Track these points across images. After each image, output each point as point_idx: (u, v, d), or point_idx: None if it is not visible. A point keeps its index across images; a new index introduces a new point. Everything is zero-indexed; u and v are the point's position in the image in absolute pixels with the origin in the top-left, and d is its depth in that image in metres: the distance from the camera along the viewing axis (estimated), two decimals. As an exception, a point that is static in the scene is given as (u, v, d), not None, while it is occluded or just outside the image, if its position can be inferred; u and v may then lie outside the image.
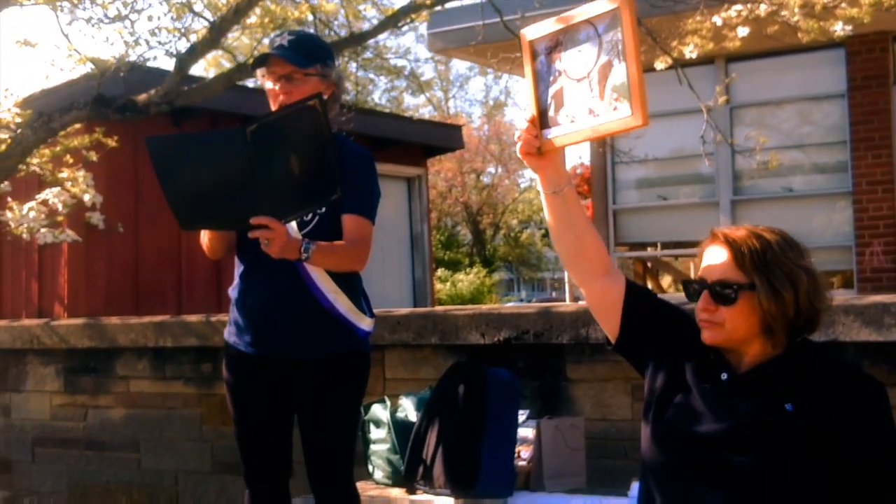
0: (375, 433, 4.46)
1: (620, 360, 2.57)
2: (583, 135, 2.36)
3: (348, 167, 3.47)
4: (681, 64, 7.12)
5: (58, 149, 6.92)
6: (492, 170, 34.99)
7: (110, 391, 6.29)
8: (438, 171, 31.11)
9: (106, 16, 6.47)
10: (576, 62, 2.34)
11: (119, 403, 6.26)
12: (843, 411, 2.20)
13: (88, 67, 6.57)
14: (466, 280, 26.59)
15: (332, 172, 3.29)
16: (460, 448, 4.04)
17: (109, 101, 6.29)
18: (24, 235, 6.80)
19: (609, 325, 2.49)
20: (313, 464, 3.64)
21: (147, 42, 6.62)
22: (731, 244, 2.30)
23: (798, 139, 10.00)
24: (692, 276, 2.41)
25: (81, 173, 6.92)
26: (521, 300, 36.07)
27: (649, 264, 11.88)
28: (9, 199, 6.98)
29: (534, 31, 2.42)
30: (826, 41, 6.98)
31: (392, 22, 7.27)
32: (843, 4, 6.37)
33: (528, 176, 34.01)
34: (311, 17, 7.43)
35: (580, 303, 5.51)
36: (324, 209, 3.52)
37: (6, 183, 6.72)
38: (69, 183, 6.87)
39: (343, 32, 7.76)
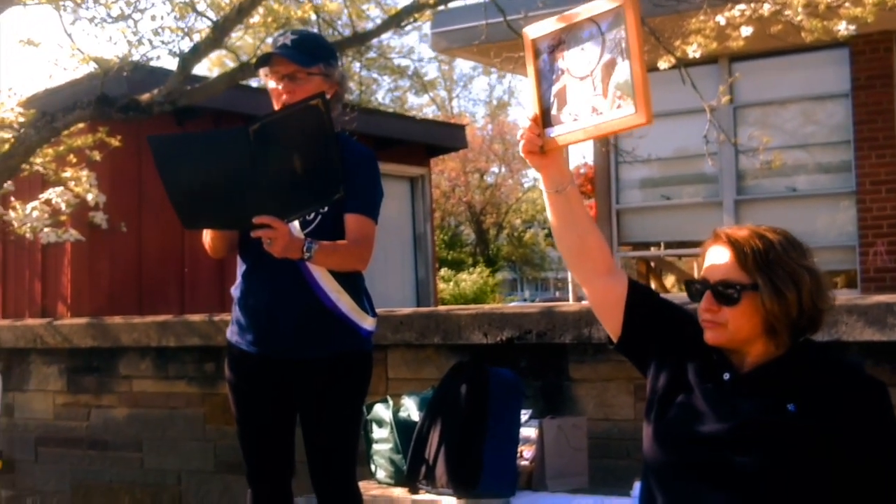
0: (378, 433, 4.46)
1: (623, 359, 2.56)
2: (586, 133, 2.35)
3: (351, 166, 3.46)
4: (684, 63, 7.11)
5: (61, 148, 6.93)
6: (495, 169, 35.00)
7: (113, 391, 6.29)
8: (442, 171, 31.11)
9: (109, 15, 6.47)
10: (579, 60, 2.33)
11: (122, 403, 6.26)
12: (845, 412, 2.20)
13: (92, 67, 6.57)
14: (470, 280, 26.59)
15: (335, 172, 3.29)
16: (463, 448, 4.03)
17: (112, 101, 6.29)
18: (28, 235, 6.81)
19: (611, 325, 2.49)
20: (316, 463, 3.64)
21: (150, 41, 6.63)
22: (734, 244, 2.29)
23: (802, 139, 9.98)
24: (695, 275, 2.40)
25: (85, 173, 6.93)
26: (525, 300, 36.06)
27: (652, 264, 11.87)
28: (12, 198, 6.99)
29: (536, 30, 2.41)
30: (830, 41, 6.96)
31: (395, 21, 7.27)
32: (847, 4, 6.36)
33: (532, 175, 34.05)
34: (314, 17, 7.43)
35: (583, 303, 5.50)
36: (326, 208, 3.52)
37: (10, 182, 6.73)
38: (72, 182, 6.88)
39: (347, 32, 7.75)
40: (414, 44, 49.52)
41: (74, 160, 7.06)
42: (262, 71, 3.68)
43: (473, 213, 34.45)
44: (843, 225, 9.68)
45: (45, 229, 6.68)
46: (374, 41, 8.46)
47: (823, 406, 2.20)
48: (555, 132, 2.38)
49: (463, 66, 34.90)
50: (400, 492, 4.25)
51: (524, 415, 4.29)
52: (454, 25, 10.03)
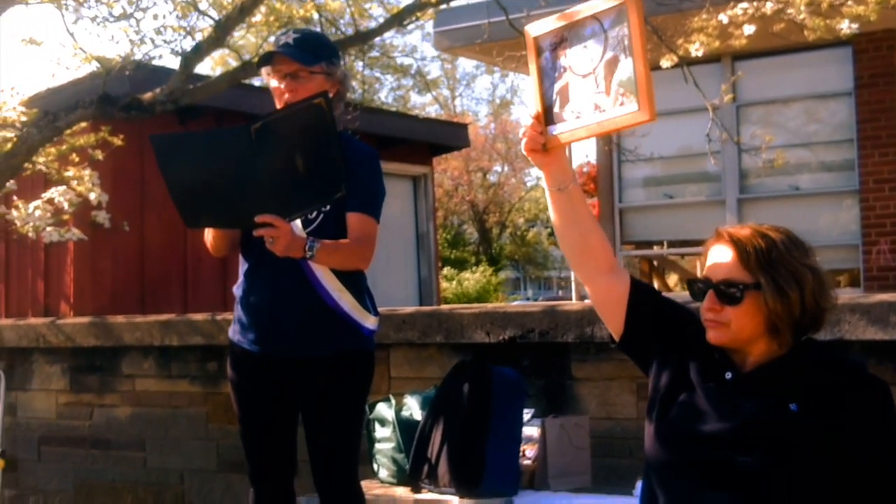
0: (380, 432, 4.46)
1: (626, 358, 2.56)
2: (589, 130, 2.35)
3: (353, 165, 3.46)
4: (687, 62, 7.10)
5: (64, 147, 6.93)
6: (498, 168, 35.04)
7: (116, 390, 6.30)
8: (445, 170, 31.14)
9: (111, 14, 6.48)
10: (581, 58, 2.33)
11: (125, 402, 6.26)
12: (847, 411, 2.19)
13: (94, 66, 6.58)
14: (472, 279, 26.61)
15: (337, 170, 3.29)
16: (465, 447, 4.03)
17: (115, 100, 6.29)
18: (30, 234, 6.81)
19: (613, 323, 2.48)
20: (318, 462, 3.64)
21: (152, 41, 6.64)
22: (737, 243, 2.29)
23: (805, 137, 9.97)
24: (699, 274, 2.40)
25: (87, 172, 6.93)
26: (528, 299, 36.06)
27: (655, 263, 11.86)
28: (14, 197, 6.98)
29: (538, 28, 2.41)
30: (832, 39, 6.95)
31: (397, 20, 7.27)
32: (850, 2, 6.35)
33: (535, 174, 34.07)
34: (316, 16, 7.43)
35: (585, 301, 5.50)
36: (328, 207, 3.52)
37: (12, 182, 6.72)
38: (75, 181, 6.88)
39: (349, 31, 7.76)
40: (417, 42, 49.51)
41: (77, 159, 7.06)
42: (264, 70, 3.68)
43: (476, 212, 34.46)
44: (847, 223, 9.67)
45: (48, 228, 6.68)
46: (377, 40, 8.46)
47: (826, 405, 2.20)
48: (557, 130, 2.37)
49: (466, 64, 34.94)
50: (402, 491, 4.25)
51: (527, 414, 4.29)
52: (456, 24, 10.03)
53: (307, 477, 3.71)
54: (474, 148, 29.32)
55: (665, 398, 2.36)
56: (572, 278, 13.11)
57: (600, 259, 2.48)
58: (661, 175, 10.68)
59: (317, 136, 3.25)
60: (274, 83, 3.60)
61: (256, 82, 8.62)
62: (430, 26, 11.13)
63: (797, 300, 2.24)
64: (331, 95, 3.43)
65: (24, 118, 6.29)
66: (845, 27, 6.40)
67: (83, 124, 6.71)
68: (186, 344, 5.96)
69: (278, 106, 3.55)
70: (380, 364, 4.43)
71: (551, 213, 2.48)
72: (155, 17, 6.70)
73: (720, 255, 2.32)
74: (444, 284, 22.74)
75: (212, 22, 6.59)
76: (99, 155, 7.10)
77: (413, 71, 30.61)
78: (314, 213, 3.53)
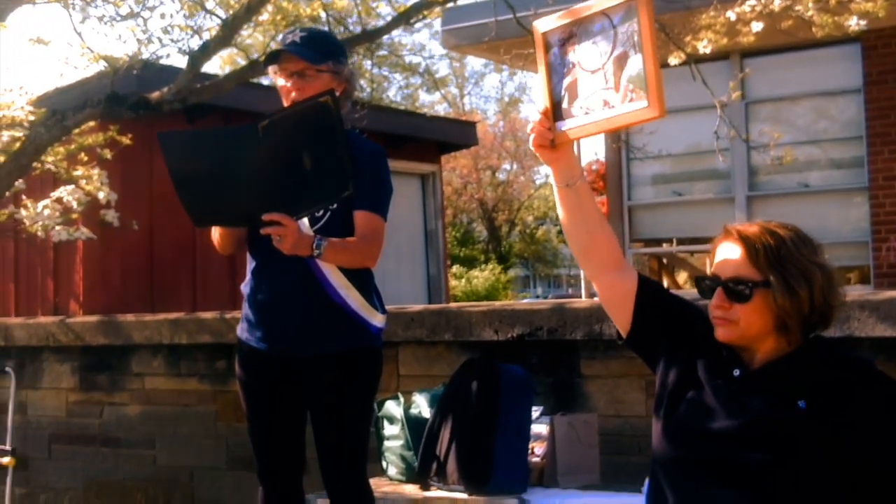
0: (389, 429, 4.47)
1: (634, 356, 2.56)
2: (597, 126, 2.34)
3: (360, 163, 3.46)
4: (695, 59, 7.09)
5: (72, 147, 6.94)
6: (507, 166, 35.03)
7: (125, 388, 6.31)
8: (454, 168, 31.14)
9: (118, 14, 6.49)
10: (590, 54, 2.32)
11: (134, 400, 6.27)
12: (855, 408, 2.19)
13: (101, 65, 6.58)
14: (482, 277, 26.61)
15: (344, 169, 3.29)
16: (474, 444, 4.03)
17: (123, 99, 6.30)
18: (39, 233, 6.82)
19: (621, 320, 2.48)
20: (326, 460, 3.64)
21: (160, 40, 6.64)
22: (745, 241, 2.28)
23: (814, 135, 9.95)
24: (707, 272, 2.39)
25: (96, 171, 6.93)
26: (537, 297, 36.07)
27: (664, 260, 11.84)
28: (23, 196, 7.00)
29: (546, 24, 2.40)
30: (841, 36, 6.94)
31: (404, 18, 7.27)
32: (858, -1, 6.34)
33: (544, 172, 34.03)
34: (324, 15, 7.43)
35: (594, 299, 5.50)
36: (336, 205, 3.52)
37: (21, 181, 6.74)
38: (84, 181, 6.89)
39: (357, 30, 7.76)
40: (425, 41, 49.50)
41: (85, 158, 7.07)
42: (271, 68, 3.68)
43: (485, 210, 34.47)
44: (856, 221, 9.64)
45: (57, 227, 6.69)
46: (385, 38, 8.47)
47: (834, 403, 2.19)
48: (566, 126, 2.37)
49: (474, 63, 34.96)
50: (411, 488, 4.25)
51: (535, 411, 4.29)
52: (464, 22, 10.03)
53: (317, 475, 3.72)
54: (483, 146, 29.32)
55: (673, 395, 2.35)
56: (582, 276, 13.11)
57: (608, 255, 2.48)
58: (670, 172, 10.66)
59: (324, 135, 3.25)
60: (281, 82, 3.60)
61: (265, 81, 8.62)
62: (438, 24, 11.14)
63: (806, 298, 2.23)
64: (338, 94, 3.44)
65: (32, 117, 6.30)
66: (853, 24, 6.38)
67: (91, 123, 6.71)
68: (195, 342, 5.97)
69: (285, 104, 3.55)
70: (388, 362, 4.43)
71: (559, 210, 2.48)
72: (162, 16, 6.73)
73: (729, 253, 2.31)
74: (453, 282, 22.74)
75: (219, 21, 6.59)
76: (107, 154, 7.11)
77: (421, 69, 30.65)
78: (321, 212, 3.53)
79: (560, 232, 33.96)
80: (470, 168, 32.75)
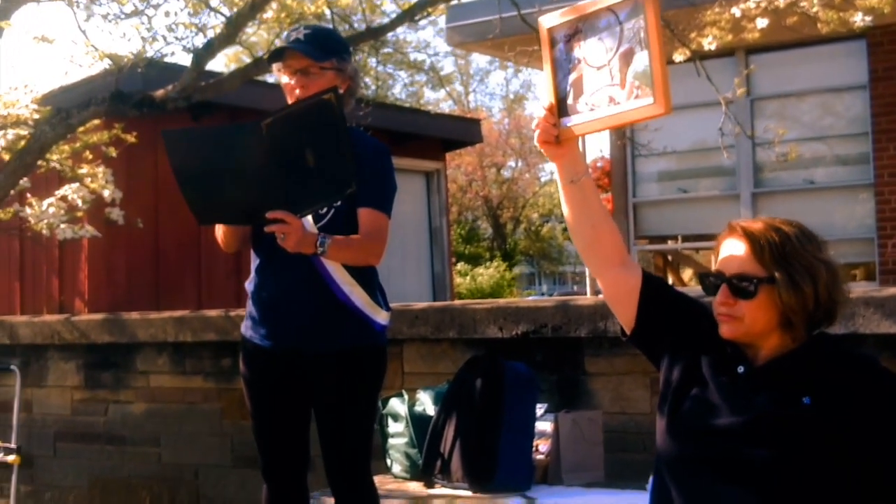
0: (393, 427, 4.46)
1: (639, 353, 2.56)
2: (603, 123, 2.34)
3: (364, 161, 3.45)
4: (700, 56, 7.08)
5: (77, 145, 6.94)
6: (512, 164, 35.01)
7: (130, 386, 6.32)
8: (459, 166, 31.13)
9: (123, 12, 6.49)
10: (596, 50, 2.31)
11: (139, 398, 6.28)
12: (860, 404, 2.18)
13: (106, 64, 6.58)
14: (487, 274, 26.60)
15: (348, 166, 3.29)
16: (478, 442, 4.03)
17: (127, 97, 6.31)
18: (44, 231, 6.82)
19: (625, 316, 2.48)
20: (331, 458, 3.64)
21: (164, 38, 6.64)
22: (750, 237, 2.28)
23: (819, 131, 9.93)
24: (712, 269, 2.39)
25: (101, 169, 6.93)
26: (543, 294, 36.05)
27: (670, 257, 11.83)
28: (28, 195, 7.00)
29: (552, 19, 2.39)
30: (847, 32, 6.92)
31: (408, 16, 7.26)
32: (863, -6, 6.32)
33: (549, 169, 34.04)
34: (328, 13, 7.42)
35: (598, 296, 5.49)
36: (339, 203, 3.51)
37: (26, 179, 6.74)
38: (88, 179, 6.89)
39: (362, 27, 7.76)
40: (430, 38, 49.52)
41: (90, 156, 7.07)
42: (275, 66, 3.68)
43: (490, 207, 34.45)
44: (862, 217, 9.63)
45: (62, 225, 6.69)
46: (390, 36, 8.47)
47: (839, 399, 2.19)
48: (571, 122, 2.37)
49: (479, 60, 34.98)
50: (415, 486, 4.25)
51: (539, 409, 4.28)
52: (468, 20, 10.03)
53: (321, 473, 3.72)
54: (488, 143, 29.30)
55: (677, 392, 2.35)
56: (587, 273, 13.11)
57: (612, 252, 2.48)
58: (675, 169, 10.66)
59: (326, 132, 3.24)
60: (285, 79, 3.60)
61: (270, 79, 8.62)
62: (442, 21, 11.13)
63: (811, 294, 2.23)
64: (341, 91, 3.43)
65: (36, 116, 6.30)
66: (859, 20, 6.37)
67: (96, 122, 6.72)
68: (200, 340, 5.98)
69: (289, 102, 3.55)
70: (393, 359, 4.43)
71: (563, 206, 2.47)
72: (167, 14, 6.70)
73: (733, 249, 2.31)
74: (458, 280, 22.74)
75: (223, 19, 6.59)
76: (112, 152, 7.11)
77: (426, 67, 30.65)
78: (325, 209, 3.53)
79: (565, 229, 33.90)
80: (475, 165, 32.73)
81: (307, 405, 3.68)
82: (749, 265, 2.26)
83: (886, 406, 2.19)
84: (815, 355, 2.27)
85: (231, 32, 6.44)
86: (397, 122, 11.51)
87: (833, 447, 2.15)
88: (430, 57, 32.27)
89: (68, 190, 6.72)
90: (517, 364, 4.23)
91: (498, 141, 33.04)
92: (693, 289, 8.26)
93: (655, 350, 2.46)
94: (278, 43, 6.10)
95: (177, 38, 6.65)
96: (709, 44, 6.81)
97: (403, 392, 4.60)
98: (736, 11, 6.67)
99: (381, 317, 3.64)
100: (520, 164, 34.83)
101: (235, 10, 6.47)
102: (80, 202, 6.70)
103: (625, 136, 9.73)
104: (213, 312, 6.04)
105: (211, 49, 6.54)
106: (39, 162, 6.55)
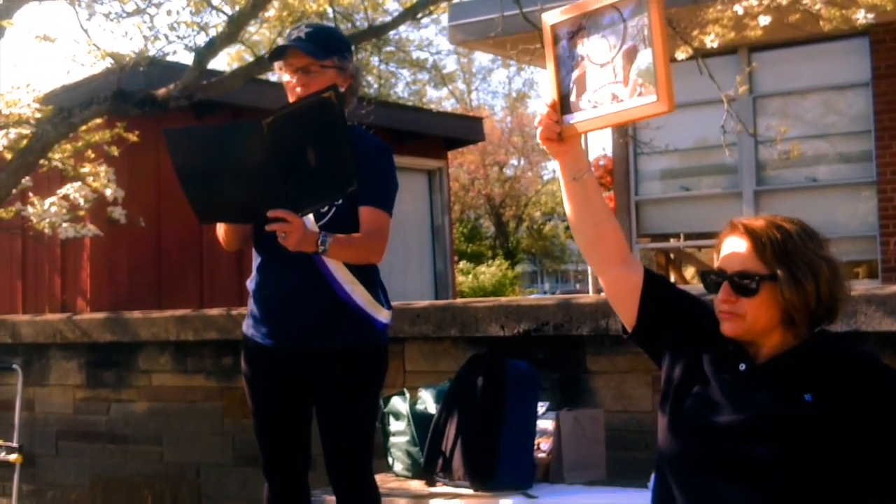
0: (395, 425, 4.46)
1: (641, 351, 2.55)
2: (606, 120, 2.34)
3: (365, 159, 3.45)
4: (702, 54, 7.08)
5: (79, 144, 6.94)
6: (514, 162, 34.99)
7: (132, 385, 6.31)
8: (461, 164, 31.13)
9: (124, 10, 6.49)
10: (599, 47, 2.31)
11: (141, 397, 6.28)
12: (862, 402, 2.18)
13: (108, 62, 6.58)
14: (489, 272, 26.60)
15: (349, 164, 3.28)
16: (480, 440, 4.03)
17: (129, 96, 6.30)
18: (46, 230, 6.83)
19: (626, 314, 2.48)
20: (332, 456, 3.64)
21: (166, 37, 6.63)
22: (752, 235, 2.28)
23: (822, 129, 9.93)
24: (714, 267, 2.39)
25: (103, 168, 6.93)
26: (545, 292, 36.04)
27: (672, 256, 11.83)
28: (30, 194, 7.00)
29: (555, 16, 2.39)
30: (849, 30, 6.92)
31: (410, 14, 7.26)
32: (865, -9, 6.32)
33: (552, 168, 34.02)
34: (330, 11, 7.42)
35: (600, 294, 5.49)
36: (341, 201, 3.51)
37: (28, 178, 6.74)
38: (90, 178, 6.89)
39: (364, 26, 7.75)
40: (432, 37, 49.51)
41: (92, 155, 7.07)
42: (276, 64, 3.68)
43: (493, 205, 34.44)
44: (864, 215, 9.62)
45: (64, 224, 6.69)
46: (393, 34, 8.48)
47: (840, 396, 2.19)
48: (573, 119, 2.36)
49: (482, 58, 34.94)
50: (417, 484, 4.24)
51: (541, 407, 4.27)
52: (470, 18, 10.03)
53: (322, 471, 3.71)
54: (490, 142, 29.29)
55: (679, 390, 2.35)
56: (589, 272, 13.11)
57: (613, 249, 2.48)
58: (678, 167, 10.65)
59: (327, 130, 3.24)
60: (286, 77, 3.60)
61: (272, 78, 8.62)
62: (445, 20, 11.14)
63: (813, 291, 2.23)
64: (342, 90, 3.43)
65: (38, 115, 6.30)
66: (861, 17, 6.36)
67: (98, 120, 6.71)
68: (202, 339, 5.97)
69: (291, 100, 3.55)
70: (394, 358, 4.42)
71: (565, 203, 2.47)
72: (168, 12, 6.70)
73: (735, 247, 2.31)
74: (460, 278, 22.74)
75: (225, 17, 6.59)
76: (114, 151, 7.11)
77: (429, 65, 30.65)
78: (326, 208, 3.53)
79: (567, 228, 33.82)
80: (477, 164, 32.72)
81: (308, 404, 3.68)
82: (751, 263, 2.26)
83: (888, 403, 2.19)
84: (817, 353, 2.27)
85: (233, 31, 6.44)
86: (399, 120, 11.51)
87: (835, 445, 2.15)
88: (432, 55, 32.32)
89: (70, 189, 6.72)
90: (519, 362, 4.23)
91: (500, 139, 33.03)
92: (695, 287, 8.25)
93: (657, 348, 2.46)
94: (280, 41, 6.10)
95: (179, 37, 6.65)
96: (711, 41, 6.81)
97: (405, 390, 4.59)
98: (738, 9, 6.66)
99: (383, 315, 3.64)
100: (522, 162, 34.83)
101: (237, 8, 6.47)
102: (82, 201, 6.70)
103: (627, 134, 9.73)
104: (214, 311, 6.03)
105: (213, 48, 6.53)
106: (41, 161, 6.54)
